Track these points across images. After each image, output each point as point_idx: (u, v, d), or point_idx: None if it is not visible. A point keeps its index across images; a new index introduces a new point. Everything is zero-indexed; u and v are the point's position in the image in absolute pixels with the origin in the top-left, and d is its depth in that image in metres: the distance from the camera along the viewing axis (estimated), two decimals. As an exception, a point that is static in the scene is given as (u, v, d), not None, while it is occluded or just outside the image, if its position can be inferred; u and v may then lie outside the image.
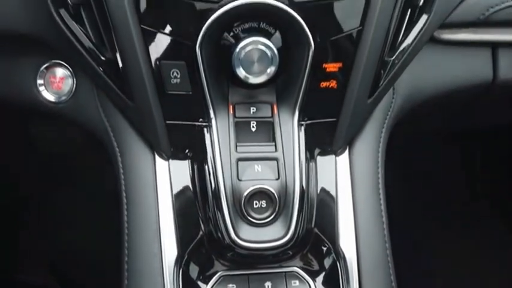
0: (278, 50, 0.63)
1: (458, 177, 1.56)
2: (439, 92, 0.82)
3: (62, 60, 0.73)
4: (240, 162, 0.65)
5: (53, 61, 0.73)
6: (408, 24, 0.70)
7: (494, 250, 1.43)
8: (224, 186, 0.64)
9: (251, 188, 0.63)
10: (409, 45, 0.70)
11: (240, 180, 0.64)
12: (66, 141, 1.20)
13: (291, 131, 0.67)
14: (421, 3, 0.68)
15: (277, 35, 0.65)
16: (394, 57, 0.70)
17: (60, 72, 0.73)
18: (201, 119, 0.67)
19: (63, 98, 0.74)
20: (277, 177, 0.65)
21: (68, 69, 0.74)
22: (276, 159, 0.66)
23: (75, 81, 0.73)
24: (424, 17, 0.70)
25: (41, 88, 0.73)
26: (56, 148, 1.29)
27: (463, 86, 0.83)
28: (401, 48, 0.70)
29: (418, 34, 0.70)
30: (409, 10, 0.69)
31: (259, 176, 0.64)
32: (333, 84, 0.68)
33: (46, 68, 0.73)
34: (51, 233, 1.38)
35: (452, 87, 0.82)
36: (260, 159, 0.65)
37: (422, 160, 1.51)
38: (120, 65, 0.64)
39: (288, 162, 0.66)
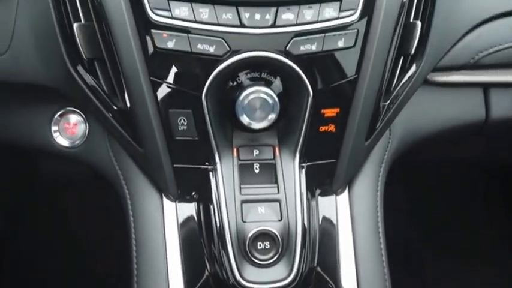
0: (279, 96, 0.68)
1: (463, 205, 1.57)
2: (434, 131, 0.86)
3: (75, 108, 0.77)
4: (244, 204, 0.68)
5: (67, 108, 0.78)
6: (401, 71, 0.74)
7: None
8: (229, 227, 0.67)
9: (255, 230, 0.66)
10: (402, 90, 0.74)
11: (244, 222, 0.67)
12: (74, 174, 1.23)
13: (293, 173, 0.71)
14: (412, 51, 0.72)
15: (278, 82, 0.69)
16: (388, 101, 0.74)
17: (73, 118, 0.78)
18: (206, 163, 0.71)
19: (77, 142, 0.78)
20: (279, 218, 0.68)
21: (81, 115, 0.78)
22: (278, 200, 0.69)
23: (87, 127, 0.78)
24: (416, 64, 0.74)
25: (56, 134, 0.78)
26: (63, 180, 1.31)
27: (457, 125, 0.86)
28: (395, 93, 0.74)
29: (411, 80, 0.74)
30: (402, 58, 0.73)
31: (262, 218, 0.68)
32: (332, 128, 0.71)
33: (60, 115, 0.78)
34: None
35: (447, 126, 0.86)
36: (263, 201, 0.69)
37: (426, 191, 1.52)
38: (131, 114, 0.68)
39: (290, 204, 0.69)
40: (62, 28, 0.67)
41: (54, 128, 0.77)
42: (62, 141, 0.77)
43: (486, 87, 0.86)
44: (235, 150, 0.72)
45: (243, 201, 0.68)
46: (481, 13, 0.78)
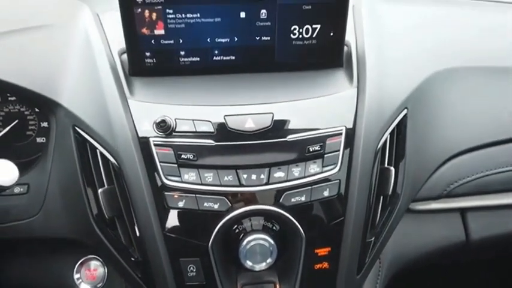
0: (276, 240, 0.77)
1: None
2: (420, 255, 0.94)
3: (95, 255, 0.87)
4: None
5: (88, 256, 0.87)
6: (383, 208, 0.84)
7: None
8: None
9: None
10: (386, 225, 0.84)
11: None
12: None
13: None
14: (390, 192, 0.83)
15: (274, 228, 0.79)
16: (374, 237, 0.83)
17: (93, 264, 0.87)
18: None
19: (99, 285, 0.86)
20: None
21: (99, 260, 0.87)
22: None
23: (106, 270, 0.86)
24: (395, 201, 0.84)
25: (78, 282, 0.87)
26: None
27: (441, 248, 0.94)
28: (379, 228, 0.83)
29: (391, 215, 0.84)
30: (381, 197, 0.84)
31: None
32: (325, 265, 0.80)
33: (81, 263, 0.87)
34: None
35: (431, 249, 0.94)
36: None
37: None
38: (146, 263, 0.77)
39: None
40: (88, 192, 0.79)
41: (76, 276, 0.86)
42: (85, 286, 0.86)
43: (463, 211, 0.95)
44: None
45: None
46: (449, 150, 0.89)
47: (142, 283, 0.79)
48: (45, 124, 0.88)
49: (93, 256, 0.87)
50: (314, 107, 0.79)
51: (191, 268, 0.77)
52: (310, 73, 0.85)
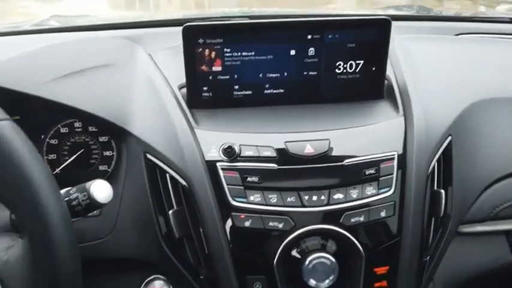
0: (336, 260, 0.80)
1: None
2: (468, 276, 0.96)
3: (161, 275, 0.89)
4: None
5: (153, 276, 0.89)
6: (435, 229, 0.88)
7: None
8: None
9: None
10: (439, 245, 0.87)
11: None
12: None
13: None
14: (441, 213, 0.87)
15: (333, 247, 0.82)
16: (429, 256, 0.86)
17: (157, 283, 0.89)
18: None
19: None
20: None
21: (163, 279, 0.89)
22: None
23: None
24: (446, 223, 0.88)
25: None
26: None
27: (488, 270, 0.96)
28: (433, 249, 0.87)
29: (444, 235, 0.87)
30: (433, 219, 0.88)
31: None
32: (384, 284, 0.82)
33: (146, 283, 0.89)
34: None
35: (479, 271, 0.96)
36: None
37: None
38: (215, 281, 0.79)
39: None
40: (158, 214, 0.83)
41: (140, 296, 0.88)
42: (150, 309, 0.87)
43: (507, 233, 0.98)
44: None
45: None
46: (493, 174, 0.93)
47: None
48: (107, 153, 0.94)
49: (157, 276, 0.89)
50: (366, 133, 0.85)
51: (257, 286, 0.80)
52: (354, 104, 0.92)
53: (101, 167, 0.94)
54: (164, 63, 0.96)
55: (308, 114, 0.90)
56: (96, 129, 0.93)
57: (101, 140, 0.94)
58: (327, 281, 0.79)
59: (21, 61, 0.93)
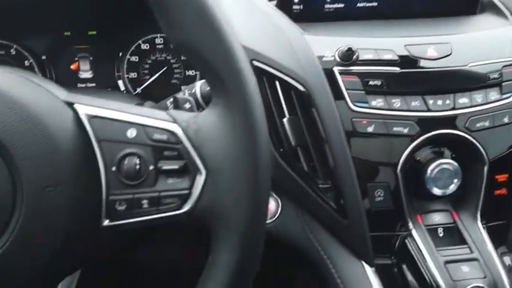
0: (460, 165, 0.78)
1: None
2: None
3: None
4: (447, 265, 0.75)
5: None
6: None
7: None
8: (445, 286, 0.73)
9: (469, 287, 0.73)
10: None
11: (454, 280, 0.74)
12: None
13: (479, 234, 0.79)
14: None
15: (454, 155, 0.81)
16: None
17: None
18: (401, 229, 0.80)
19: (271, 220, 0.87)
20: (484, 276, 0.75)
21: (272, 195, 0.88)
22: (476, 259, 0.76)
23: (280, 204, 0.86)
24: None
25: None
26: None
27: None
28: None
29: None
30: None
31: (469, 276, 0.74)
32: (504, 191, 0.81)
33: None
34: None
35: None
36: (463, 260, 0.76)
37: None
38: (337, 189, 0.77)
39: (488, 262, 0.76)
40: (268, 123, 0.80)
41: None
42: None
43: None
44: (418, 217, 0.81)
45: (446, 262, 0.76)
46: None
47: (331, 210, 0.80)
48: (190, 72, 0.91)
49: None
50: (486, 38, 0.82)
51: (379, 193, 0.78)
52: (457, 17, 0.88)
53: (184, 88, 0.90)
54: None
55: (419, 22, 0.86)
56: None
57: (183, 57, 0.91)
58: (451, 186, 0.78)
59: None
